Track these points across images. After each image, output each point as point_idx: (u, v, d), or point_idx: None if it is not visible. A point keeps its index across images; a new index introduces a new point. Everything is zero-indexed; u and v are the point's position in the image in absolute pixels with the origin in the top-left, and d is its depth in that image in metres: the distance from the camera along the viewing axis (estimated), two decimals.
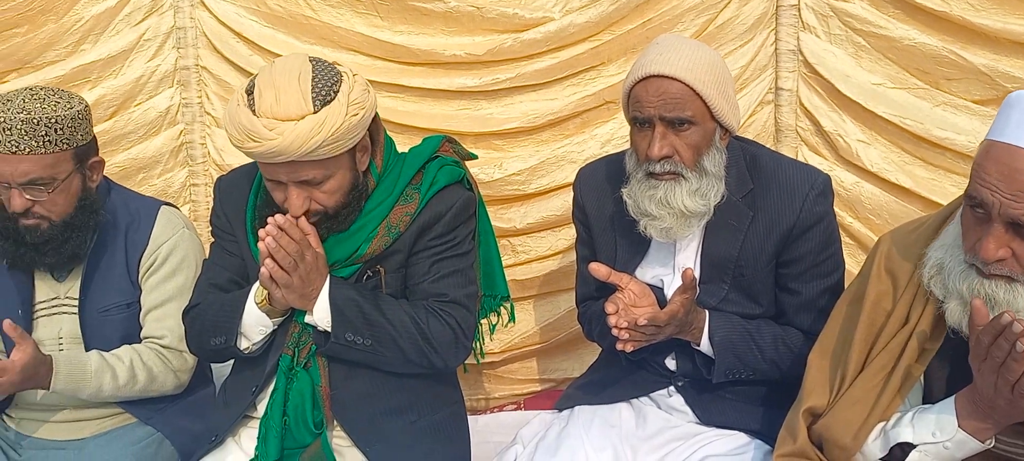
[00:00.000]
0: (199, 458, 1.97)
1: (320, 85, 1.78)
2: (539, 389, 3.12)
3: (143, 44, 2.92)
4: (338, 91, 1.78)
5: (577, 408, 2.09)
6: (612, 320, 1.80)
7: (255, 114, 1.76)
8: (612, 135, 2.88)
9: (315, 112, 1.75)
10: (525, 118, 2.90)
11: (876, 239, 1.78)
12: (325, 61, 1.86)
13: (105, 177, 2.24)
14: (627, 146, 2.79)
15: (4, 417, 2.23)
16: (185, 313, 2.06)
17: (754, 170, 1.97)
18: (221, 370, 2.47)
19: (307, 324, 1.92)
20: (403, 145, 2.09)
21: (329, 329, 1.88)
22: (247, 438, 1.97)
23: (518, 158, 2.92)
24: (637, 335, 1.81)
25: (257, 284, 1.92)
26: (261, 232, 1.78)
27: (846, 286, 1.89)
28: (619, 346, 1.82)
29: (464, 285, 1.98)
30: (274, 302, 1.88)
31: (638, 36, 2.82)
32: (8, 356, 1.96)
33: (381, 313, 1.88)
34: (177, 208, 2.38)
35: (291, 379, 1.91)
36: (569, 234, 2.96)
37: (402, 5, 2.84)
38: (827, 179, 1.97)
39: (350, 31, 2.86)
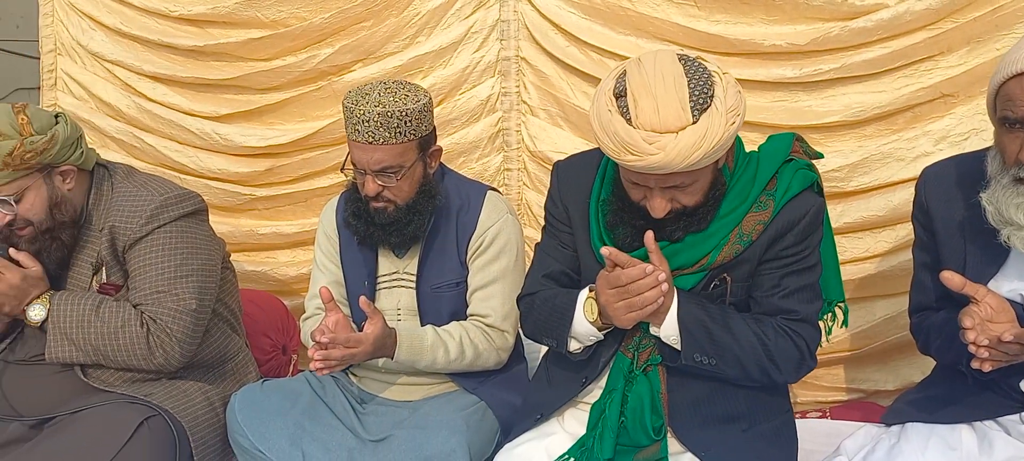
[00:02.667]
0: (521, 432, 2.06)
1: (697, 91, 1.69)
2: (846, 398, 2.95)
3: (470, 36, 3.10)
4: (714, 96, 1.70)
5: (909, 425, 1.95)
6: (970, 336, 1.64)
7: (632, 125, 1.69)
8: (948, 132, 2.65)
9: (695, 122, 1.67)
10: (848, 111, 2.74)
11: None
12: (692, 58, 1.77)
13: (440, 163, 2.42)
14: (966, 145, 2.60)
15: (351, 375, 2.49)
16: (519, 300, 2.14)
17: None
18: (531, 345, 2.59)
19: (650, 331, 1.90)
20: None
21: (672, 345, 1.86)
22: (571, 419, 2.01)
23: (838, 153, 2.77)
24: (998, 354, 1.65)
25: (586, 295, 1.91)
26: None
27: None
28: (975, 364, 1.66)
29: (812, 300, 1.89)
30: (607, 320, 1.86)
31: (986, 24, 2.56)
32: (358, 326, 2.19)
33: (729, 333, 1.83)
34: (500, 193, 2.52)
35: (630, 382, 1.91)
36: (890, 236, 2.77)
37: None
38: None
39: (666, 21, 2.86)
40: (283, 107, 3.31)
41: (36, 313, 2.20)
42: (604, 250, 1.77)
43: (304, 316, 2.53)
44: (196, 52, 3.31)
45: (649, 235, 1.75)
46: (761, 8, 2.77)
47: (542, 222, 2.16)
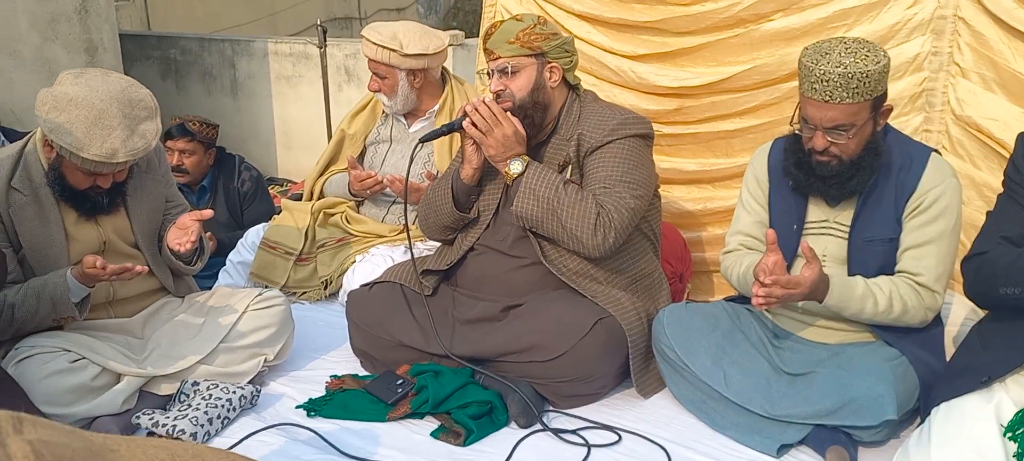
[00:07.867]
0: (957, 393, 2.05)
1: None
2: None
3: None
4: None
5: None
6: None
7: None
8: None
9: None
10: None
11: None
12: None
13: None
14: None
15: (766, 311, 2.64)
16: (966, 260, 2.16)
17: None
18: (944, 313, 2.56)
19: None
20: None
21: None
22: (1015, 385, 2.01)
23: None
24: None
25: None
26: None
27: None
28: None
29: None
30: None
31: None
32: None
33: None
34: (942, 155, 2.50)
35: None
36: None
37: None
38: None
39: None
40: (697, 51, 3.47)
41: (515, 167, 2.58)
42: None
43: (724, 250, 2.71)
44: None
45: None
46: None
47: None
